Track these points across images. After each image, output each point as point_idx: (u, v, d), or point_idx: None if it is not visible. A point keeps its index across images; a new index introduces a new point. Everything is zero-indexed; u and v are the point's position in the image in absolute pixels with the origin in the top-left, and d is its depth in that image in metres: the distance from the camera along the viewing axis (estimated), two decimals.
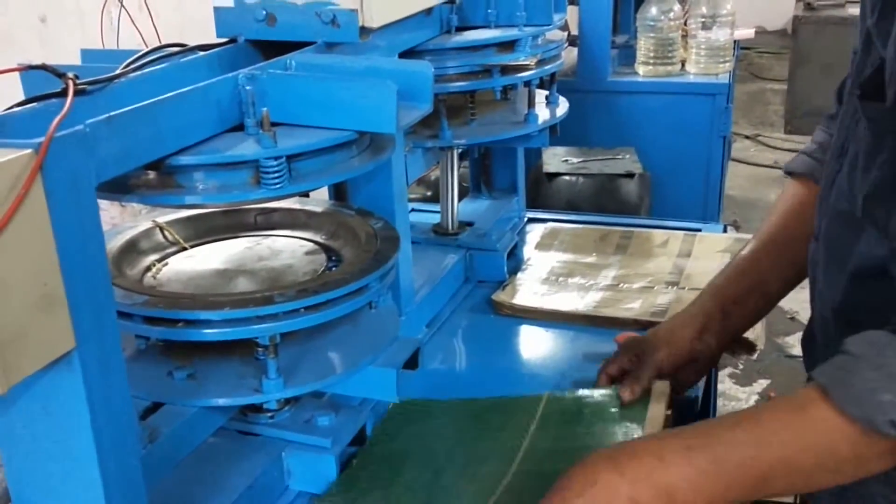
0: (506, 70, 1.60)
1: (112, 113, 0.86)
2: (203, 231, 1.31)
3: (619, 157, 2.99)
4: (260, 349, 1.09)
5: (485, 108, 1.75)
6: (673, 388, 1.32)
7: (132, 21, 1.92)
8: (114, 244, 1.19)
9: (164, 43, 1.14)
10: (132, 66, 1.04)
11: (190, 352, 1.14)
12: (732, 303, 1.36)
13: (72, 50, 1.29)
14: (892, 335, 0.90)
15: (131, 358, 1.12)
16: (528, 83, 1.68)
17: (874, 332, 0.91)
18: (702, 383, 1.52)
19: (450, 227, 1.86)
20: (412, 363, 1.24)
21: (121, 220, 1.38)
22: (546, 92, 1.81)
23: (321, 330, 1.18)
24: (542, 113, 1.74)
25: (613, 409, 1.29)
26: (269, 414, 1.24)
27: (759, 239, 1.37)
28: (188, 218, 1.30)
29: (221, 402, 1.08)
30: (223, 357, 1.14)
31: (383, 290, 1.19)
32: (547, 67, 1.67)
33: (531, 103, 1.70)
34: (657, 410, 1.26)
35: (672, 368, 1.34)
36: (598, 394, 1.33)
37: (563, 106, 1.79)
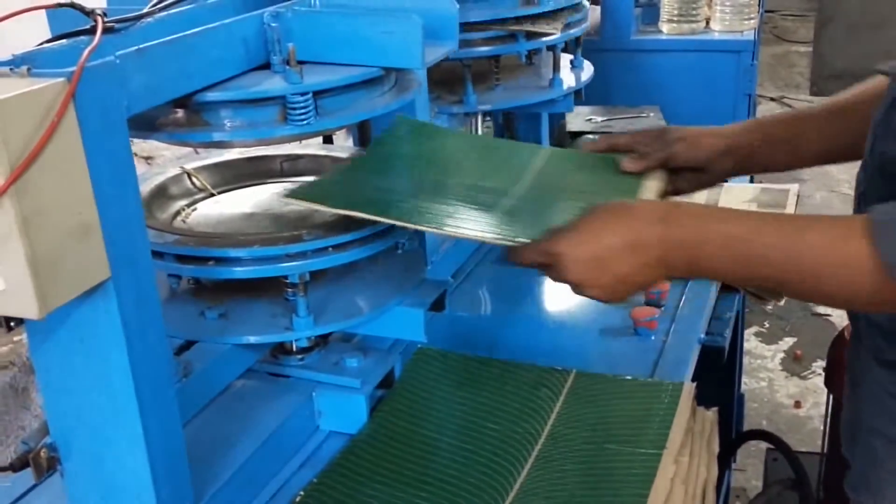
0: (531, 35, 1.60)
1: (142, 45, 0.87)
2: (230, 178, 1.32)
3: (644, 115, 2.96)
4: (289, 289, 1.10)
5: (509, 73, 1.75)
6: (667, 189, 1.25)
7: None
8: (143, 189, 1.21)
9: None
10: (159, 6, 1.04)
11: (220, 293, 1.15)
12: (765, 142, 1.29)
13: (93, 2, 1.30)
14: None
15: (164, 299, 1.14)
16: (552, 47, 1.67)
17: None
18: (728, 335, 1.52)
19: None
20: (439, 305, 1.25)
21: None
22: (571, 56, 1.81)
23: (349, 272, 1.19)
24: (567, 77, 1.74)
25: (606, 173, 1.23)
26: (300, 356, 1.25)
27: (825, 102, 1.30)
28: (215, 165, 1.31)
29: (253, 339, 1.10)
30: (253, 298, 1.15)
31: (410, 232, 1.19)
32: (572, 31, 1.67)
33: (556, 68, 1.70)
34: (650, 193, 1.19)
35: (680, 164, 1.27)
36: (595, 157, 1.28)
37: (587, 70, 1.80)
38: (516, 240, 1.00)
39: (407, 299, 1.20)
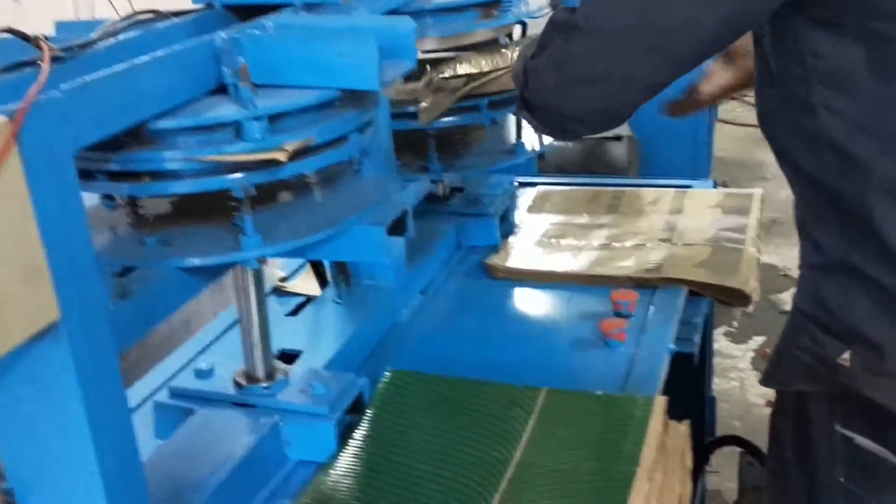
0: (494, 105, 1.61)
1: (87, 77, 0.84)
2: None
3: (618, 137, 2.97)
4: (235, 211, 1.03)
5: (473, 135, 1.74)
6: None
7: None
8: None
9: (138, 10, 1.11)
10: (107, 34, 1.01)
11: (161, 223, 1.08)
12: None
13: (46, 30, 1.26)
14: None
15: (100, 235, 1.06)
16: None
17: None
18: (697, 340, 1.52)
19: (440, 193, 1.84)
20: (400, 227, 1.18)
21: None
22: None
23: (302, 197, 1.12)
24: (530, 140, 1.73)
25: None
26: (265, 385, 1.23)
27: None
28: None
29: (197, 261, 1.01)
30: (197, 225, 1.07)
31: (364, 143, 1.12)
32: None
33: (519, 134, 1.71)
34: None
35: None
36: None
37: None
38: None
39: (365, 219, 1.13)
